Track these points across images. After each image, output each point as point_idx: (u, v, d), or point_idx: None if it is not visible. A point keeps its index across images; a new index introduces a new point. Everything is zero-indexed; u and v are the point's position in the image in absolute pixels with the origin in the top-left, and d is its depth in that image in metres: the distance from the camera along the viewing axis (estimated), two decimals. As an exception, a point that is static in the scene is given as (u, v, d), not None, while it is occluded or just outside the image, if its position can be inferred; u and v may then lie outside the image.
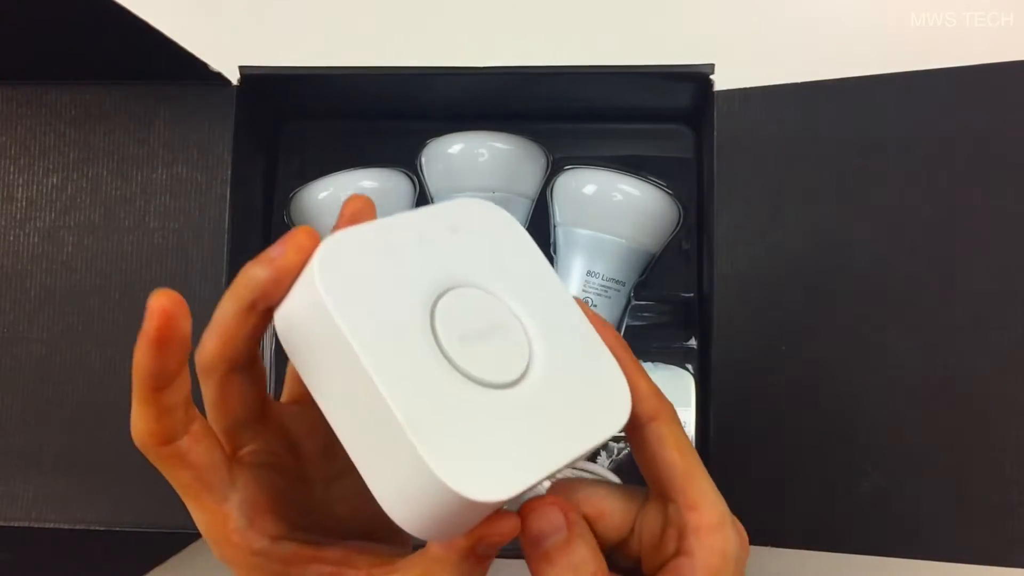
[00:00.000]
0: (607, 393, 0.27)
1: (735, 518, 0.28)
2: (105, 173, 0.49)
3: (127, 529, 0.45)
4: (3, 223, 0.49)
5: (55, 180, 0.49)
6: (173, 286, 0.49)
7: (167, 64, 0.47)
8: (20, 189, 0.49)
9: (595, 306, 0.49)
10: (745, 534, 0.28)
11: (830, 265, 0.46)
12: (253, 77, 0.46)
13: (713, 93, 0.45)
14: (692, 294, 0.51)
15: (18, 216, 0.49)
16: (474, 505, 0.22)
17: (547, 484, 0.29)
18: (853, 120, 0.47)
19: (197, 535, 0.47)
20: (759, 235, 0.47)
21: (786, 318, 0.47)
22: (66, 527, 0.46)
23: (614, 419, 0.27)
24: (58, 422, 0.47)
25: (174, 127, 0.48)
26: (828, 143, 0.47)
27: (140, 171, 0.48)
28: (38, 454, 0.47)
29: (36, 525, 0.46)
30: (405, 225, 0.26)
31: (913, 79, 0.46)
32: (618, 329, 0.50)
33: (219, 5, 0.56)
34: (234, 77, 0.46)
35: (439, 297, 0.26)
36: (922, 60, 0.46)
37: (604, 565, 0.27)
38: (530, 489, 0.24)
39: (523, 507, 0.27)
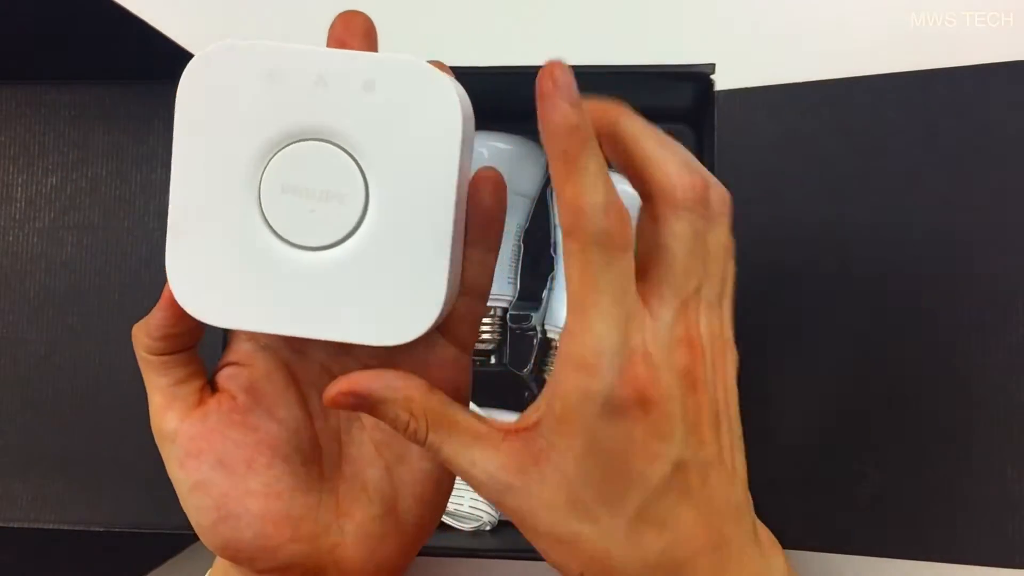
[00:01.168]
0: (406, 304, 0.26)
1: (647, 373, 0.25)
2: (104, 173, 0.49)
3: (127, 530, 0.45)
4: (2, 223, 0.49)
5: (54, 180, 0.49)
6: (173, 286, 0.49)
7: (167, 64, 0.46)
8: (19, 189, 0.49)
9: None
10: (641, 378, 0.25)
11: (830, 265, 0.46)
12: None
13: (713, 93, 0.45)
14: (692, 294, 0.51)
15: (17, 216, 0.49)
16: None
17: None
18: (853, 120, 0.47)
19: (197, 536, 0.47)
20: (759, 235, 0.47)
21: (786, 317, 0.47)
22: (65, 528, 0.46)
23: (389, 332, 0.26)
24: (58, 422, 0.47)
25: (173, 127, 0.48)
26: (828, 143, 0.47)
27: (139, 171, 0.48)
28: (37, 455, 0.47)
29: (35, 526, 0.46)
30: (310, 61, 0.25)
31: (913, 79, 0.46)
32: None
33: (219, 5, 0.56)
34: (234, 77, 0.46)
35: (291, 143, 0.25)
36: (922, 60, 0.46)
37: (420, 404, 0.27)
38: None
39: None
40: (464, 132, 0.26)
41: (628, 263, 0.25)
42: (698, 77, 0.44)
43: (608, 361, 0.25)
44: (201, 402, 0.29)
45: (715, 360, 0.27)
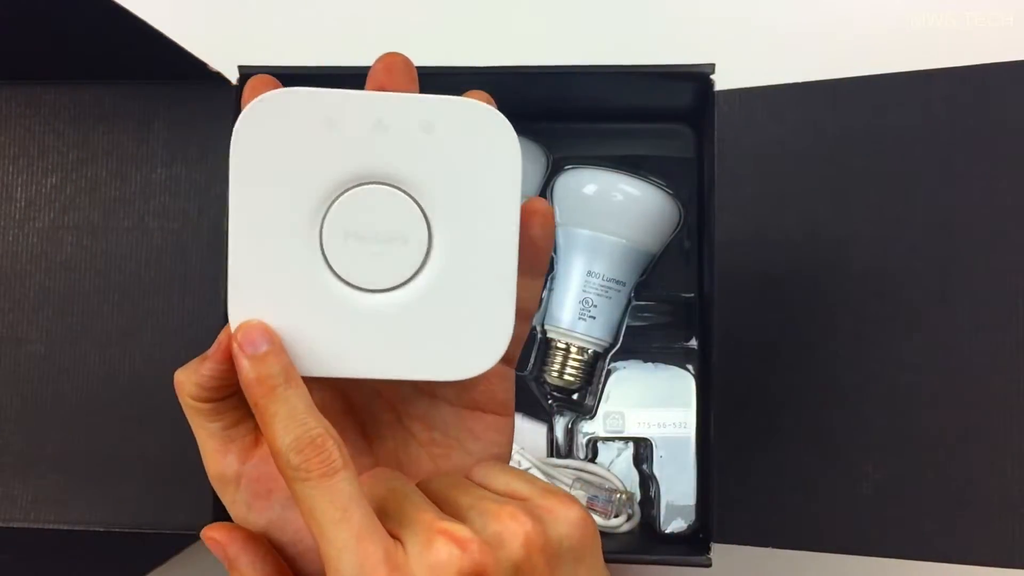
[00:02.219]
0: (475, 339, 0.26)
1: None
2: (104, 173, 0.49)
3: (127, 530, 0.45)
4: (2, 223, 0.49)
5: (54, 180, 0.49)
6: (172, 286, 0.50)
7: (167, 64, 0.46)
8: (19, 189, 0.49)
9: (595, 306, 0.49)
10: None
11: (830, 265, 0.46)
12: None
13: (713, 93, 0.45)
14: (692, 294, 0.51)
15: (17, 216, 0.49)
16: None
17: None
18: (853, 120, 0.47)
19: (197, 536, 0.47)
20: (759, 235, 0.47)
21: (786, 318, 0.47)
22: (65, 528, 0.46)
23: (459, 367, 0.26)
24: (58, 422, 0.47)
25: (173, 127, 0.48)
26: (828, 143, 0.47)
27: (139, 171, 0.48)
28: (37, 455, 0.47)
29: (35, 526, 0.46)
30: (368, 105, 0.25)
31: (913, 79, 0.46)
32: (619, 329, 0.50)
33: (219, 5, 0.56)
34: (234, 77, 0.46)
35: (352, 187, 0.26)
36: (922, 60, 0.46)
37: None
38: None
39: None
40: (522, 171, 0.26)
41: (341, 483, 0.24)
42: (698, 77, 0.44)
43: None
44: (258, 442, 0.28)
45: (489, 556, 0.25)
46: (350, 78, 0.48)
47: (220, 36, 0.55)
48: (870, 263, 0.46)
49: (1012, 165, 0.45)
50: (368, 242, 0.26)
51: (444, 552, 0.24)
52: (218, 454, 0.28)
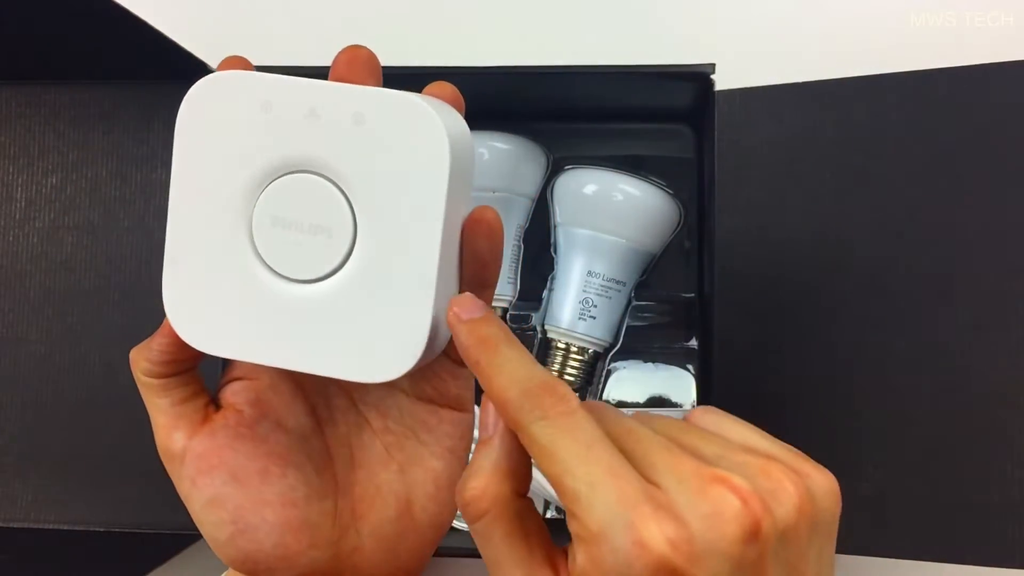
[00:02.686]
0: (391, 341, 0.25)
1: (657, 528, 0.22)
2: (104, 173, 0.49)
3: (127, 530, 0.45)
4: (2, 223, 0.49)
5: (54, 180, 0.49)
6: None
7: (167, 64, 0.46)
8: (19, 189, 0.49)
9: (595, 306, 0.49)
10: (658, 547, 0.21)
11: (830, 265, 0.46)
12: (253, 77, 0.46)
13: (713, 93, 0.45)
14: (692, 294, 0.51)
15: (17, 216, 0.49)
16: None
17: None
18: (853, 120, 0.47)
19: (197, 536, 0.47)
20: (759, 235, 0.47)
21: (786, 318, 0.47)
22: (65, 528, 0.46)
23: (372, 369, 0.25)
24: (58, 422, 0.47)
25: (173, 127, 0.48)
26: (828, 143, 0.47)
27: (139, 171, 0.48)
28: (37, 455, 0.47)
29: (35, 526, 0.46)
30: (304, 93, 0.25)
31: (913, 79, 0.46)
32: (619, 329, 0.50)
33: (219, 5, 0.56)
34: (234, 77, 0.46)
35: (283, 175, 0.26)
36: (922, 60, 0.46)
37: (496, 491, 0.25)
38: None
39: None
40: (453, 168, 0.25)
41: (582, 421, 0.23)
42: (698, 77, 0.44)
43: (617, 529, 0.22)
44: (207, 419, 0.29)
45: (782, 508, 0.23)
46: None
47: (220, 36, 0.55)
48: (870, 263, 0.46)
49: (1012, 165, 0.45)
50: (294, 231, 0.26)
51: (725, 502, 0.22)
52: (166, 429, 0.29)
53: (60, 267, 0.48)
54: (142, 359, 0.29)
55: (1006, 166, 0.45)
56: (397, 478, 0.30)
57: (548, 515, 0.50)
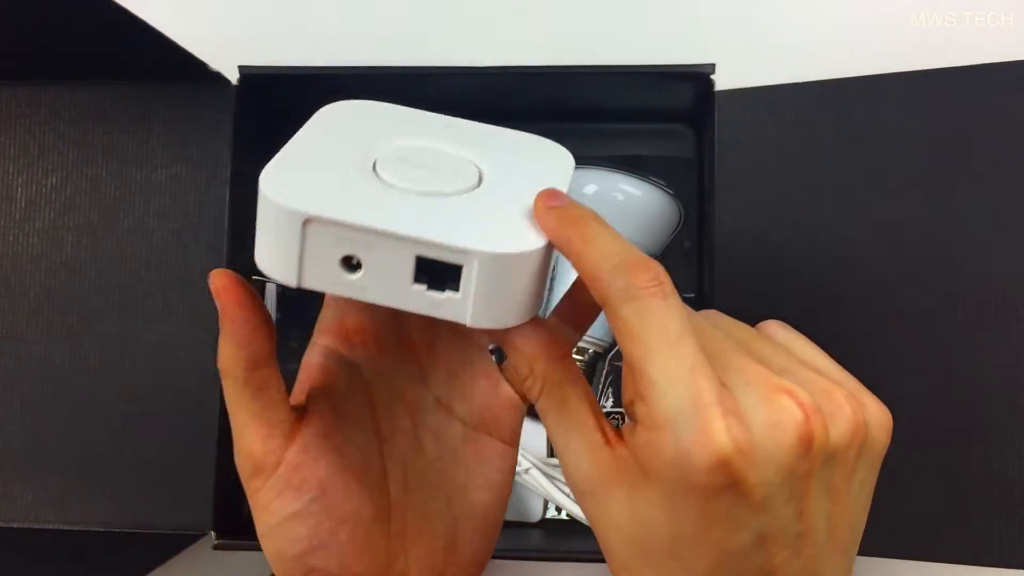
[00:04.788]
0: (519, 227, 0.25)
1: (725, 419, 0.22)
2: (104, 173, 0.49)
3: (127, 530, 0.45)
4: (2, 223, 0.49)
5: (54, 180, 0.49)
6: (173, 286, 0.50)
7: (167, 64, 0.46)
8: (19, 189, 0.49)
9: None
10: (723, 447, 0.22)
11: (830, 265, 0.46)
12: (253, 77, 0.46)
13: (713, 93, 0.45)
14: (692, 294, 0.51)
15: (17, 216, 0.49)
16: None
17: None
18: (853, 120, 0.47)
19: (197, 536, 0.47)
20: (759, 235, 0.47)
21: (786, 318, 0.46)
22: (65, 528, 0.46)
23: (505, 241, 0.24)
24: (58, 422, 0.47)
25: (173, 127, 0.48)
26: (828, 143, 0.47)
27: (139, 171, 0.48)
28: (37, 455, 0.47)
29: (35, 526, 0.46)
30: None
31: (913, 79, 0.46)
32: None
33: (219, 5, 0.56)
34: (234, 77, 0.46)
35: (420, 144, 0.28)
36: (922, 60, 0.46)
37: (543, 366, 0.26)
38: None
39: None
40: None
41: (675, 307, 0.23)
42: (698, 77, 0.44)
43: (684, 424, 0.22)
44: (296, 427, 0.27)
45: (834, 411, 0.24)
46: (350, 78, 0.48)
47: (220, 36, 0.55)
48: (870, 263, 0.46)
49: (1012, 165, 0.45)
50: (419, 168, 0.26)
51: (788, 412, 0.23)
52: (260, 437, 0.27)
53: (60, 267, 0.48)
54: (232, 354, 0.26)
55: (1006, 166, 0.45)
56: (446, 508, 0.30)
57: (549, 515, 0.50)
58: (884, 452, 0.26)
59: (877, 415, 0.26)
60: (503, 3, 0.56)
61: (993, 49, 0.46)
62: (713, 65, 0.44)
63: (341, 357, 0.29)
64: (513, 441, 0.31)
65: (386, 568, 0.28)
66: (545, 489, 0.47)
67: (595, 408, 0.26)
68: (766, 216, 0.47)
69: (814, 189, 0.47)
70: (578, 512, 0.47)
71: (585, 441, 0.26)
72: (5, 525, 0.46)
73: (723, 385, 0.23)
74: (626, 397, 0.25)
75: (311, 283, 0.24)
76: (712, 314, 0.28)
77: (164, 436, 0.45)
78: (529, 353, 0.27)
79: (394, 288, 0.24)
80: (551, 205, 0.25)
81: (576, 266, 0.25)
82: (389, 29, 0.56)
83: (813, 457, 0.23)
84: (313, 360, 0.29)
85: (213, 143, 0.47)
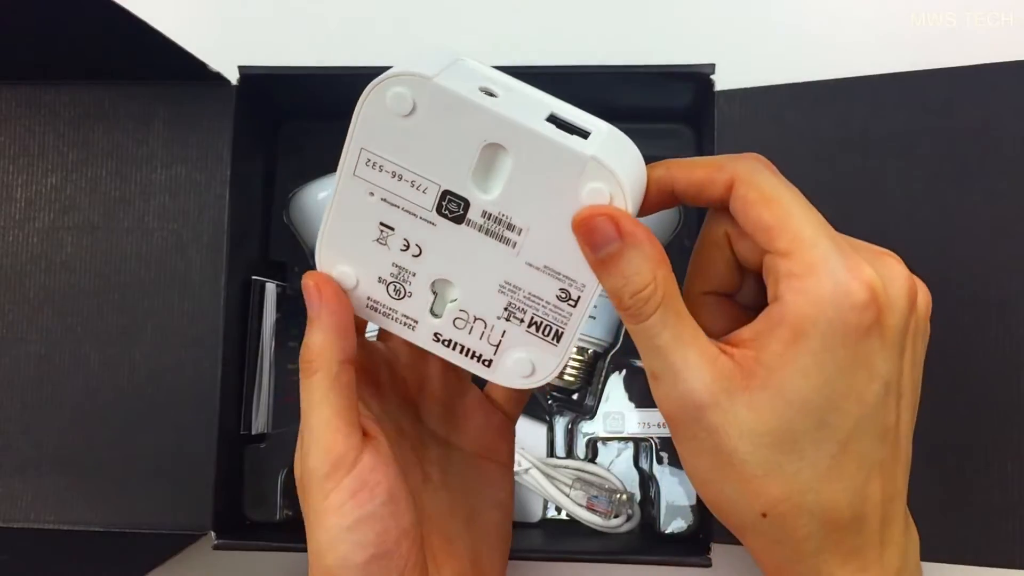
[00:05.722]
0: None
1: (877, 267, 0.25)
2: (104, 173, 0.48)
3: (126, 530, 0.45)
4: (2, 223, 0.49)
5: (54, 180, 0.49)
6: (173, 286, 0.50)
7: (167, 64, 0.46)
8: (19, 189, 0.49)
9: (596, 307, 0.49)
10: (874, 283, 0.25)
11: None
12: (253, 77, 0.46)
13: (713, 93, 0.45)
14: (692, 294, 0.51)
15: (17, 216, 0.49)
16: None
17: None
18: (853, 120, 0.46)
19: (197, 536, 0.47)
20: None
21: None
22: (65, 528, 0.46)
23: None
24: (57, 422, 0.47)
25: (173, 127, 0.48)
26: (828, 143, 0.47)
27: (139, 171, 0.48)
28: (37, 455, 0.47)
29: (35, 526, 0.46)
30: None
31: (913, 79, 0.46)
32: (619, 329, 0.50)
33: (219, 5, 0.56)
34: (234, 77, 0.46)
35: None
36: (922, 60, 0.46)
37: (664, 273, 0.26)
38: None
39: (580, 217, 0.26)
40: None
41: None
42: (698, 77, 0.44)
43: (837, 264, 0.25)
44: (368, 431, 0.28)
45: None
46: (350, 78, 0.48)
47: (220, 36, 0.55)
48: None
49: (1012, 165, 0.45)
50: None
51: (897, 271, 0.26)
52: (343, 433, 0.27)
53: (60, 267, 0.48)
54: (331, 345, 0.27)
55: (1006, 166, 0.45)
56: (465, 530, 0.31)
57: (549, 515, 0.50)
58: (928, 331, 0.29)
59: (925, 292, 0.29)
60: (503, 3, 0.56)
61: (993, 49, 0.46)
62: (713, 65, 0.43)
63: (370, 400, 0.31)
64: (510, 462, 0.32)
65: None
66: (545, 489, 0.47)
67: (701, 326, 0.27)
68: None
69: (814, 189, 0.47)
70: (578, 512, 0.47)
71: (703, 352, 0.26)
72: (5, 525, 0.46)
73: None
74: (766, 264, 0.27)
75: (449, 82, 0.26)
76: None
77: (164, 436, 0.45)
78: (654, 256, 0.26)
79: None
80: (629, 242, 0.26)
81: (689, 178, 0.27)
82: (388, 29, 0.56)
83: (918, 316, 0.26)
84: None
85: (213, 143, 0.47)
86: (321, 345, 0.27)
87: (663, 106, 0.51)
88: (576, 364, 0.49)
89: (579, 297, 0.28)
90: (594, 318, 0.49)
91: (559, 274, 0.27)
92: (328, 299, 0.27)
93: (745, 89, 0.46)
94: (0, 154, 0.49)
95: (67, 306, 0.48)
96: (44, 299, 0.48)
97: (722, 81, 0.44)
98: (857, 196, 0.46)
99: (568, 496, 0.47)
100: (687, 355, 0.26)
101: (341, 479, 0.27)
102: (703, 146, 0.50)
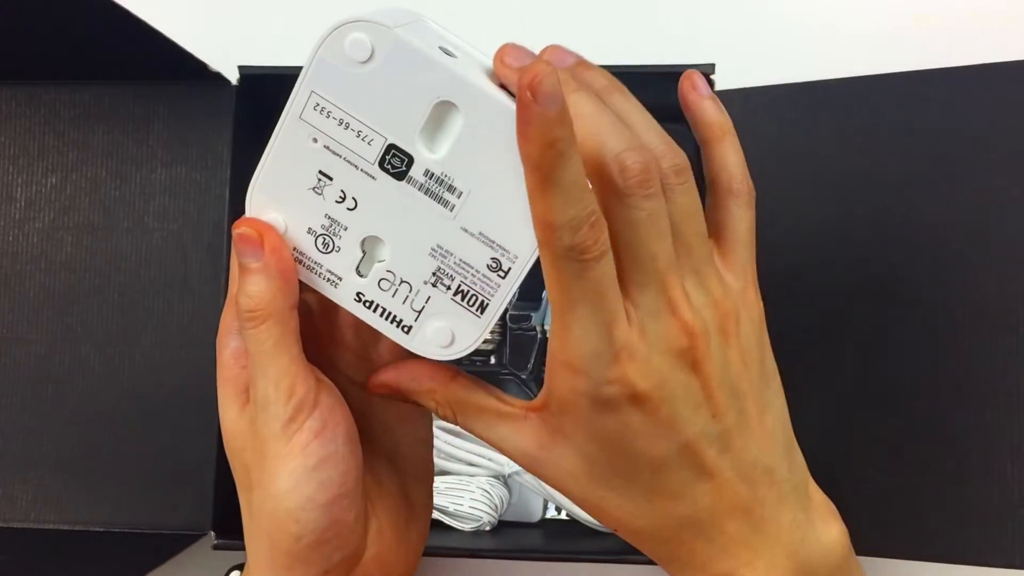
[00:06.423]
0: None
1: None
2: (104, 173, 0.48)
3: (126, 530, 0.45)
4: (2, 223, 0.49)
5: (54, 180, 0.49)
6: (173, 286, 0.49)
7: (167, 64, 0.46)
8: (19, 189, 0.49)
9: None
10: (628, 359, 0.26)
11: (830, 265, 0.46)
12: (253, 77, 0.46)
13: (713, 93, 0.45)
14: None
15: (17, 216, 0.49)
16: None
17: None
18: (853, 120, 0.46)
19: (197, 536, 0.47)
20: (758, 235, 0.46)
21: (785, 318, 0.47)
22: (65, 528, 0.46)
23: None
24: (57, 423, 0.47)
25: (173, 127, 0.48)
26: (828, 143, 0.47)
27: (139, 171, 0.48)
28: (37, 455, 0.47)
29: (35, 526, 0.46)
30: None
31: (913, 79, 0.46)
32: None
33: (219, 5, 0.56)
34: (234, 77, 0.46)
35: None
36: (922, 60, 0.46)
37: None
38: None
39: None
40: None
41: (603, 269, 0.25)
42: (698, 77, 0.44)
43: (591, 364, 0.25)
44: (317, 376, 0.29)
45: (722, 325, 0.27)
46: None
47: (220, 36, 0.55)
48: (870, 263, 0.46)
49: (1012, 165, 0.45)
50: None
51: (676, 337, 0.26)
52: (302, 375, 0.28)
53: (60, 267, 0.48)
54: (282, 291, 0.28)
55: (1006, 166, 0.45)
56: (392, 469, 0.32)
57: (549, 515, 0.50)
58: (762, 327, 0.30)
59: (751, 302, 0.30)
60: (504, 4, 0.56)
61: (993, 49, 0.46)
62: (713, 65, 0.43)
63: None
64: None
65: (369, 525, 0.30)
66: (545, 489, 0.47)
67: (501, 396, 0.29)
68: (766, 216, 0.47)
69: (814, 189, 0.47)
70: (578, 512, 0.47)
71: (511, 426, 0.28)
72: (5, 525, 0.46)
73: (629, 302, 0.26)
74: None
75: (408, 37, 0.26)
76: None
77: (164, 436, 0.45)
78: (424, 391, 0.29)
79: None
80: (540, 105, 0.23)
81: (534, 199, 0.25)
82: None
83: (702, 370, 0.26)
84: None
85: (213, 143, 0.47)
86: (270, 292, 0.27)
87: (663, 106, 0.51)
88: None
89: (509, 269, 0.27)
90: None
91: (493, 243, 0.27)
92: (274, 245, 0.27)
93: (745, 89, 0.46)
94: (0, 154, 0.49)
95: (67, 306, 0.48)
96: (44, 299, 0.48)
97: (722, 81, 0.44)
98: (857, 196, 0.46)
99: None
100: (501, 435, 0.28)
101: (304, 421, 0.27)
102: (703, 146, 0.50)
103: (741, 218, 0.30)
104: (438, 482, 0.47)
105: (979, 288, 0.44)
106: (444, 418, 0.29)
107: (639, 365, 0.25)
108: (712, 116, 0.32)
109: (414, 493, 0.32)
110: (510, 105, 0.26)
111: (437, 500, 0.46)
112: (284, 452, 0.27)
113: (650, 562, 0.44)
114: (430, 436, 0.33)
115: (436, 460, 0.47)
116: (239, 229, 0.28)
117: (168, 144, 0.48)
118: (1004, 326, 0.44)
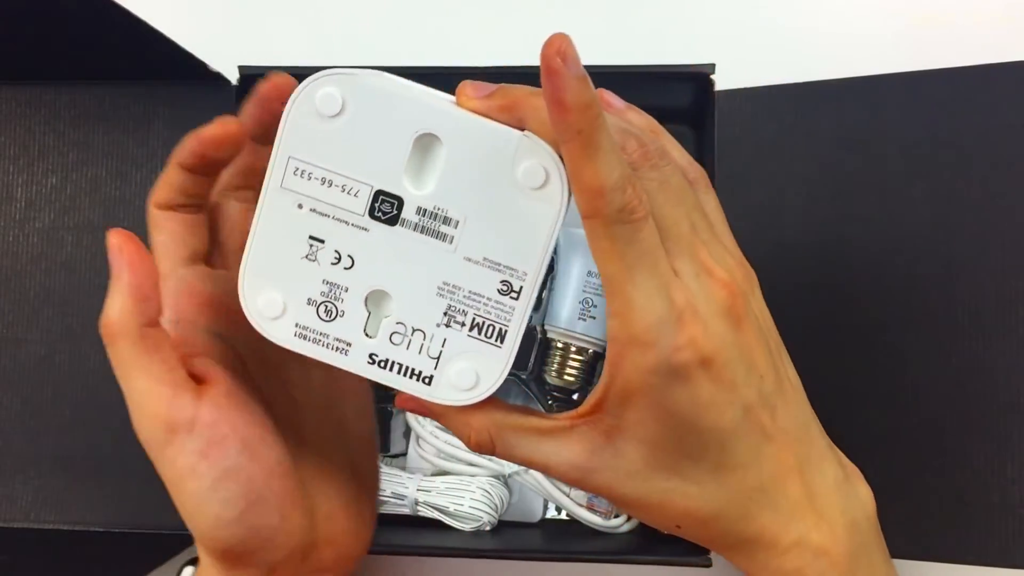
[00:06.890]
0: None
1: (704, 331, 0.25)
2: (104, 173, 0.49)
3: (126, 530, 0.45)
4: (2, 223, 0.49)
5: (54, 180, 0.49)
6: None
7: (167, 64, 0.46)
8: (19, 189, 0.49)
9: (595, 306, 0.49)
10: (703, 350, 0.25)
11: (830, 265, 0.46)
12: (253, 77, 0.46)
13: (713, 93, 0.45)
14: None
15: (17, 216, 0.49)
16: None
17: None
18: (853, 120, 0.47)
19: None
20: (758, 235, 0.47)
21: (784, 318, 0.47)
22: (65, 528, 0.46)
23: None
24: (57, 422, 0.47)
25: (173, 127, 0.48)
26: (827, 143, 0.47)
27: (139, 171, 0.48)
28: (37, 455, 0.47)
29: (35, 526, 0.46)
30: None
31: (913, 79, 0.46)
32: None
33: (219, 5, 0.56)
34: (234, 77, 0.46)
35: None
36: (922, 60, 0.46)
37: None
38: None
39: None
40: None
41: (652, 228, 0.25)
42: (698, 77, 0.44)
43: (660, 332, 0.25)
44: (199, 388, 0.27)
45: (743, 285, 0.28)
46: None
47: (220, 36, 0.55)
48: (870, 263, 0.46)
49: (1012, 165, 0.45)
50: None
51: (722, 297, 0.27)
52: (167, 398, 0.26)
53: (60, 267, 0.48)
54: (131, 310, 0.25)
55: (1006, 166, 0.45)
56: (339, 444, 0.31)
57: (549, 515, 0.50)
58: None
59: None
60: (502, 3, 0.56)
61: (993, 49, 0.46)
62: (713, 65, 0.43)
63: (208, 329, 0.29)
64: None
65: (314, 512, 0.29)
66: (545, 489, 0.47)
67: (539, 413, 0.28)
68: (766, 216, 0.47)
69: (814, 189, 0.47)
70: (578, 512, 0.47)
71: (557, 440, 0.27)
72: (5, 525, 0.46)
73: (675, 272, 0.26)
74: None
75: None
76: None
77: (164, 436, 0.45)
78: (459, 424, 0.28)
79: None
80: (571, 71, 0.24)
81: (578, 166, 0.24)
82: (388, 30, 0.56)
83: (746, 328, 0.27)
84: (187, 333, 0.28)
85: (213, 143, 0.47)
86: (120, 310, 0.25)
87: (663, 106, 0.51)
88: (576, 364, 0.49)
89: (521, 288, 0.27)
90: (595, 318, 0.49)
91: (499, 264, 0.27)
92: (130, 260, 0.25)
93: (745, 89, 0.46)
94: (0, 154, 0.49)
95: (67, 306, 0.48)
96: (44, 299, 0.48)
97: (722, 81, 0.44)
98: (857, 196, 0.46)
99: (568, 496, 0.47)
100: (547, 453, 0.28)
101: (183, 443, 0.26)
102: (703, 146, 0.50)
103: (707, 200, 0.31)
104: (438, 482, 0.47)
105: (979, 288, 0.44)
106: (479, 447, 0.28)
107: (701, 327, 0.25)
108: (639, 118, 0.32)
109: (362, 466, 0.32)
110: (491, 125, 0.26)
111: (438, 500, 0.46)
112: (174, 475, 0.26)
113: (650, 562, 0.45)
114: (371, 408, 0.33)
115: (436, 460, 0.47)
116: (108, 239, 0.26)
117: (169, 144, 0.47)
118: (1004, 326, 0.44)
